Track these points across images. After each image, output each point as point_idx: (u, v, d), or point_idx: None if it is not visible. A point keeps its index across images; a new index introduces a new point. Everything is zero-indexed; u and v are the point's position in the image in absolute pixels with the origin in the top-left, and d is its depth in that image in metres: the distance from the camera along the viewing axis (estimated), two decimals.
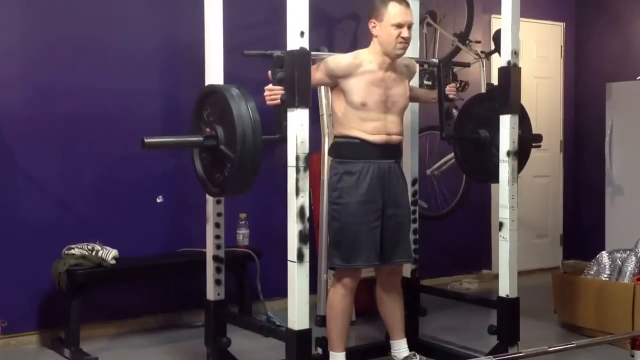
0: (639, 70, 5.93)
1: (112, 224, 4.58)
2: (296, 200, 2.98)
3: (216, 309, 3.63)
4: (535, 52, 6.56)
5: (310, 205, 3.13)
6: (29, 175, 4.37)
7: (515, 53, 3.62)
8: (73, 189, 4.49)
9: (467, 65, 4.82)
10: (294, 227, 2.99)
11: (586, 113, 6.71)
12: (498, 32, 3.91)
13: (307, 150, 3.00)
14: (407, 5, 3.47)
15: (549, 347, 2.98)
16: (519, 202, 3.69)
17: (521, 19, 3.66)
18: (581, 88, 6.81)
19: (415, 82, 4.24)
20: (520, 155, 3.81)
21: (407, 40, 3.45)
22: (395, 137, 3.57)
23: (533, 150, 4.75)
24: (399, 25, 3.40)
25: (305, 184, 3.00)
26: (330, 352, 3.53)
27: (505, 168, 3.64)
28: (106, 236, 4.39)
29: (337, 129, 3.58)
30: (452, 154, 5.07)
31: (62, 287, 4.12)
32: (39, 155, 4.38)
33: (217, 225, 3.59)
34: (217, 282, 3.62)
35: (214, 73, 3.55)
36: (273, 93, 3.13)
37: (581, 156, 6.79)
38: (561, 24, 6.77)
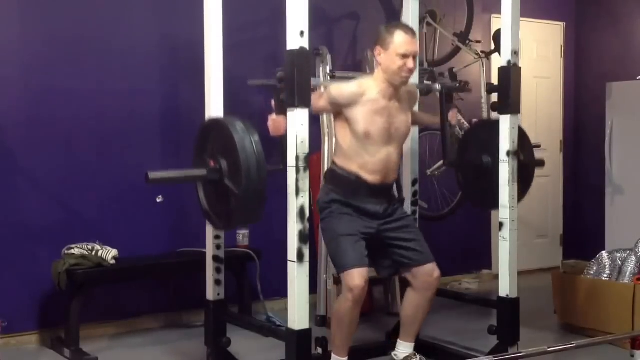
0: (639, 70, 5.93)
1: (112, 224, 4.58)
2: (296, 200, 2.99)
3: (216, 309, 3.63)
4: (535, 52, 6.56)
5: (310, 205, 3.13)
6: (29, 176, 4.37)
7: (515, 53, 3.62)
8: (73, 189, 4.49)
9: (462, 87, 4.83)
10: (294, 227, 2.99)
11: (586, 113, 6.70)
12: (498, 32, 3.91)
13: (307, 150, 3.01)
14: (413, 35, 3.47)
15: (549, 347, 2.97)
16: (518, 202, 3.69)
17: (521, 19, 3.66)
18: (581, 88, 6.81)
19: (415, 81, 4.24)
20: (523, 181, 3.82)
21: (411, 71, 3.45)
22: (392, 176, 3.60)
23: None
24: (404, 56, 3.39)
25: (305, 184, 3.00)
26: (334, 356, 3.52)
27: (505, 168, 3.63)
28: (106, 236, 4.39)
29: (338, 158, 3.56)
30: None
31: (62, 287, 4.12)
32: (39, 155, 4.38)
33: None
34: (217, 282, 3.62)
35: (214, 73, 3.55)
36: (277, 123, 3.12)
37: (581, 156, 6.78)
38: (561, 24, 6.77)
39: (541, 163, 4.22)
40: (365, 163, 3.47)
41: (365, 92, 3.44)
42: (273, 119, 3.22)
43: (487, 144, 3.84)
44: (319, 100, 3.46)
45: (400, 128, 3.56)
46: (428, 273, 3.58)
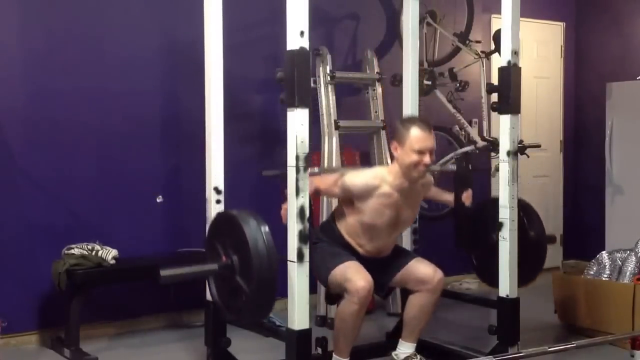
0: (639, 70, 5.94)
1: (112, 224, 4.58)
2: (296, 200, 2.98)
3: (216, 309, 3.62)
4: (535, 52, 6.56)
5: (310, 205, 3.12)
6: (29, 176, 4.37)
7: (515, 53, 3.62)
8: (73, 189, 4.49)
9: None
10: (294, 227, 2.99)
11: (586, 113, 6.71)
12: (498, 32, 3.91)
13: (307, 150, 3.00)
14: (430, 131, 3.44)
15: (549, 347, 2.98)
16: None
17: (521, 19, 3.66)
18: (581, 88, 6.81)
19: (414, 82, 4.24)
20: (533, 260, 3.84)
21: (428, 166, 3.44)
22: (387, 253, 3.63)
23: (533, 150, 4.77)
24: (421, 152, 3.38)
25: (305, 183, 3.00)
26: (335, 356, 3.51)
27: (505, 168, 3.63)
28: (106, 236, 4.39)
29: (339, 221, 3.58)
30: (452, 154, 5.07)
31: (62, 287, 4.12)
32: (39, 155, 4.38)
33: None
34: None
35: (214, 73, 3.55)
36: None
37: (581, 156, 6.79)
38: (561, 24, 6.77)
39: (552, 240, 4.20)
40: (364, 244, 3.53)
41: (380, 184, 3.44)
42: (286, 208, 3.19)
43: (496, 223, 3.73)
44: (332, 187, 3.47)
45: (406, 221, 3.61)
46: (430, 277, 3.58)
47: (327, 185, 3.50)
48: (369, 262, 3.51)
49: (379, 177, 3.46)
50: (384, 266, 3.63)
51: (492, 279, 3.85)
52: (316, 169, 4.06)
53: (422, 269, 3.60)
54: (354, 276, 3.35)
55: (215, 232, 3.26)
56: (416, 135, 3.38)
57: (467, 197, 3.86)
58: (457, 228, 3.98)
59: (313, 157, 4.28)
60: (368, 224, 3.47)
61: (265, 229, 2.99)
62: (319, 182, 3.49)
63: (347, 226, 3.54)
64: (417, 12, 4.26)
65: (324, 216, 4.63)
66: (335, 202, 4.11)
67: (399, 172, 3.45)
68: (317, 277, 3.58)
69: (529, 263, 3.83)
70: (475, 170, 4.48)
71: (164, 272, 3.01)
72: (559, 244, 6.77)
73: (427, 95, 5.06)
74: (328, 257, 3.47)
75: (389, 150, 4.98)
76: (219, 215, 3.38)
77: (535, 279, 3.97)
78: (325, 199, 4.66)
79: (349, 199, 3.49)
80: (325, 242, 3.56)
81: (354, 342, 3.52)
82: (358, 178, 3.46)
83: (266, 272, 2.94)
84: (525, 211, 3.88)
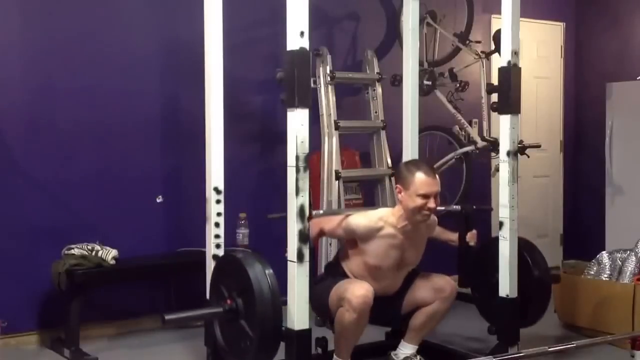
0: (639, 70, 5.94)
1: (112, 224, 4.57)
2: (296, 200, 2.99)
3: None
4: (535, 52, 6.55)
5: (310, 205, 3.13)
6: (28, 176, 4.37)
7: (515, 53, 3.63)
8: (73, 189, 4.49)
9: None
10: (294, 227, 2.99)
11: (586, 113, 6.71)
12: (498, 32, 3.92)
13: (307, 150, 3.01)
14: (434, 175, 3.44)
15: (549, 347, 2.98)
16: (519, 202, 3.69)
17: (521, 19, 3.67)
18: (581, 88, 6.81)
19: (414, 83, 4.24)
20: (538, 300, 3.85)
21: (432, 210, 3.42)
22: (391, 292, 3.61)
23: (533, 150, 4.77)
24: (425, 196, 3.37)
25: (305, 183, 3.00)
26: (336, 357, 3.50)
27: (505, 168, 3.64)
28: (106, 236, 4.39)
29: (344, 262, 3.57)
30: (452, 154, 5.08)
31: (62, 287, 4.11)
32: (39, 155, 4.38)
33: (216, 225, 3.59)
34: None
35: (214, 73, 3.55)
36: None
37: (581, 156, 6.78)
38: (561, 24, 6.77)
39: (557, 279, 4.22)
40: (369, 284, 3.50)
41: (384, 226, 3.45)
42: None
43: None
44: (336, 229, 3.49)
45: (410, 261, 3.60)
46: (443, 286, 3.60)
47: (331, 227, 3.52)
48: (375, 299, 3.44)
49: (382, 219, 3.46)
50: (392, 298, 3.62)
51: (493, 316, 3.88)
52: (320, 212, 4.10)
53: (433, 280, 3.63)
54: (353, 286, 3.36)
55: (220, 274, 3.27)
56: (421, 180, 3.38)
57: (471, 236, 3.86)
58: (460, 267, 3.99)
59: (313, 157, 4.27)
60: (373, 266, 3.48)
61: (270, 271, 3.00)
62: (323, 223, 3.52)
63: (352, 267, 3.54)
64: (417, 12, 4.26)
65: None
66: (335, 247, 4.15)
67: (403, 215, 3.45)
68: (318, 309, 3.55)
69: (534, 303, 3.84)
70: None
71: (168, 317, 3.02)
72: (559, 244, 6.78)
73: (427, 95, 5.06)
74: (330, 284, 3.47)
75: (389, 151, 4.99)
76: (223, 257, 3.40)
77: (539, 319, 3.96)
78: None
79: (354, 241, 3.50)
80: (328, 279, 3.56)
81: (355, 345, 3.51)
82: (362, 220, 3.47)
83: (271, 318, 2.95)
84: (528, 250, 3.89)
